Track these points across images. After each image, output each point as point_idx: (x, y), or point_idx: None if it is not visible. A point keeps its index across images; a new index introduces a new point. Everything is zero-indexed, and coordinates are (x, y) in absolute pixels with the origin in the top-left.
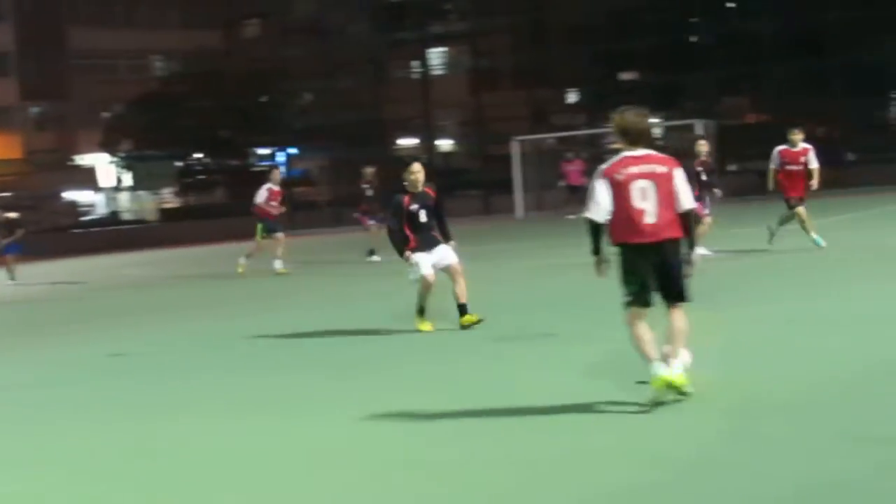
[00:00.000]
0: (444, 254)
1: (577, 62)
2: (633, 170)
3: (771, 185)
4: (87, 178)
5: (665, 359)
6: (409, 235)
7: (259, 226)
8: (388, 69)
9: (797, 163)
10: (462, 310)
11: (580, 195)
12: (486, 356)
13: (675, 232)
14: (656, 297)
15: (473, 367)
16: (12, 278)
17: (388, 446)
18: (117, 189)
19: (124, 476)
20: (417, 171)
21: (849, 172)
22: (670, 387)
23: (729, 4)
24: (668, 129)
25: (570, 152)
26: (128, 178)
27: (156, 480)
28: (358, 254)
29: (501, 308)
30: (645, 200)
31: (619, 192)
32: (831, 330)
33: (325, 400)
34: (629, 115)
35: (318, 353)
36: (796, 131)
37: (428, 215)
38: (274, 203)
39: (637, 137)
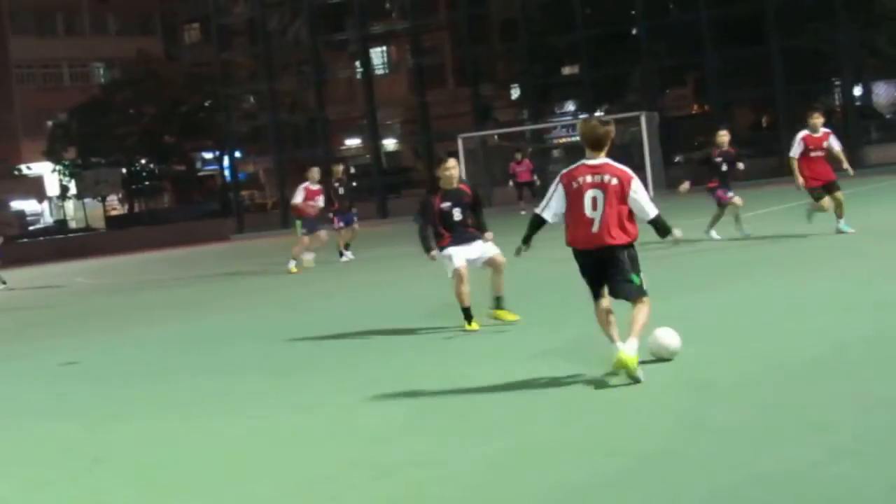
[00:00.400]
0: (484, 248)
1: (519, 57)
2: (588, 179)
3: (799, 179)
4: (32, 188)
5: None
6: (443, 233)
7: (297, 223)
8: (330, 70)
9: (820, 148)
10: (498, 302)
11: (531, 191)
12: (439, 351)
13: (622, 239)
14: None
15: (428, 364)
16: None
17: (335, 446)
18: (63, 197)
19: (76, 483)
20: (452, 167)
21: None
22: (622, 366)
23: None
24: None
25: (518, 153)
26: (73, 187)
27: (110, 485)
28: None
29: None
30: (594, 210)
31: (573, 199)
32: (786, 317)
33: (269, 401)
34: (592, 124)
35: (260, 354)
36: (817, 115)
37: (463, 213)
38: (312, 203)
39: (594, 144)
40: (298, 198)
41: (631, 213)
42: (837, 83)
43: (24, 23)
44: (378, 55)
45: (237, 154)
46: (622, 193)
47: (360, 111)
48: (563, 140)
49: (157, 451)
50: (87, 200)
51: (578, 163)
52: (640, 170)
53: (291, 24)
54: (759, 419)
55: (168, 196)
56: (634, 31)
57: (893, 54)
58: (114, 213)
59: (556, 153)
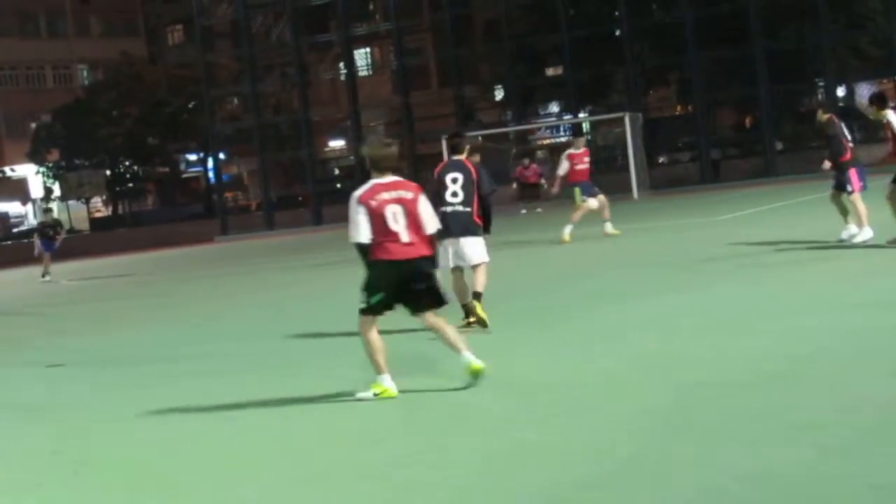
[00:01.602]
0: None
1: (502, 58)
2: (385, 196)
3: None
4: (16, 190)
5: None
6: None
7: (576, 190)
8: (314, 71)
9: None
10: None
11: (536, 192)
12: (426, 352)
13: (425, 251)
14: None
15: (415, 364)
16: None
17: (323, 447)
18: (46, 199)
19: (65, 485)
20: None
21: (775, 161)
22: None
23: None
24: (594, 125)
25: (526, 158)
26: (57, 189)
27: (97, 487)
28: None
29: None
30: (397, 223)
31: (375, 216)
32: (772, 317)
33: (256, 401)
34: (374, 145)
35: (246, 354)
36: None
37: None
38: (581, 166)
39: (383, 165)
40: (563, 169)
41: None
42: (821, 84)
43: (6, 24)
44: (362, 56)
45: (221, 156)
46: (416, 206)
47: (344, 112)
48: (548, 141)
49: (142, 453)
50: (70, 202)
51: (370, 183)
52: (623, 170)
53: (275, 26)
54: (745, 419)
55: (152, 198)
56: (618, 33)
57: (876, 55)
58: (98, 215)
59: (540, 154)
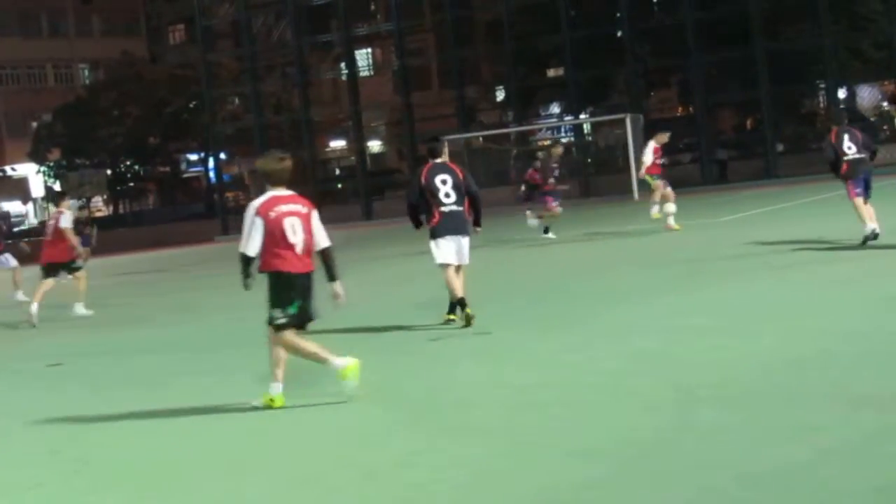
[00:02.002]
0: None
1: (504, 59)
2: (283, 208)
3: None
4: (17, 189)
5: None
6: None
7: (651, 178)
8: (315, 71)
9: None
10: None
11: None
12: (426, 353)
13: (311, 267)
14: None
15: (415, 365)
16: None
17: (322, 447)
18: (48, 199)
19: (66, 484)
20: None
21: (776, 163)
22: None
23: None
24: (595, 126)
25: (537, 161)
26: (58, 188)
27: (98, 486)
28: None
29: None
30: (295, 235)
31: (274, 228)
32: (773, 318)
33: (256, 402)
34: (270, 160)
35: (246, 355)
36: None
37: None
38: (659, 161)
39: (278, 179)
40: (649, 158)
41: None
42: (822, 86)
43: (8, 23)
44: (363, 57)
45: (222, 156)
46: (310, 220)
47: (345, 113)
48: (548, 142)
49: (143, 452)
50: (71, 202)
51: (267, 195)
52: (624, 172)
53: (276, 26)
54: (745, 420)
55: (153, 197)
56: (619, 34)
57: (877, 57)
58: (98, 214)
59: (540, 154)
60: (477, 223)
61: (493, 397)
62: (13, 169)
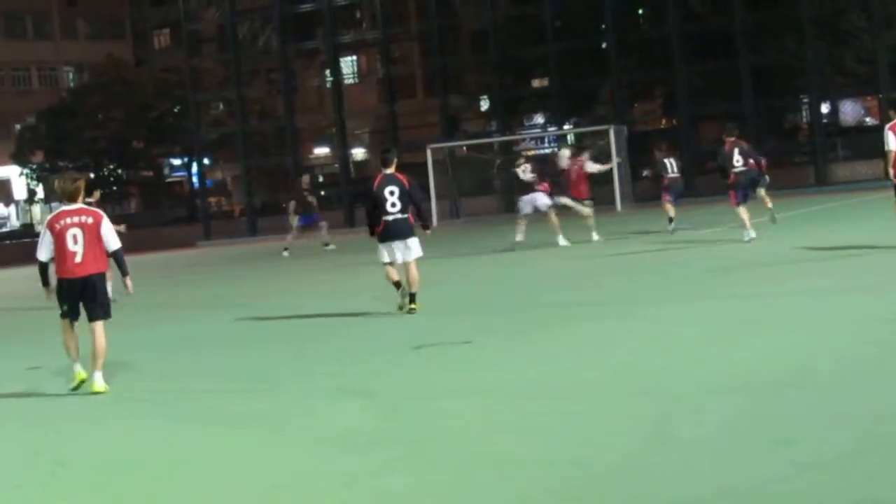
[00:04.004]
0: None
1: (488, 69)
2: (68, 220)
3: (893, 172)
4: None
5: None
6: None
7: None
8: (300, 78)
9: None
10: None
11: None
12: (407, 360)
13: (100, 268)
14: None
15: (395, 372)
16: None
17: (301, 454)
18: (30, 201)
19: (44, 486)
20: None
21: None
22: (82, 385)
23: (638, 10)
24: (579, 136)
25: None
26: (41, 191)
27: (75, 488)
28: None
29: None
30: (76, 245)
31: (58, 238)
32: (752, 332)
33: (233, 407)
34: (63, 180)
35: (224, 359)
36: None
37: None
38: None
39: (70, 196)
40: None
41: (103, 248)
42: (805, 100)
43: None
44: (348, 64)
45: (205, 161)
46: (98, 229)
47: (329, 120)
48: (532, 152)
49: (119, 455)
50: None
51: (58, 210)
52: (608, 183)
53: (262, 32)
54: (723, 433)
55: (135, 202)
56: (604, 45)
57: (860, 71)
58: None
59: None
60: (425, 227)
61: (473, 406)
62: None
